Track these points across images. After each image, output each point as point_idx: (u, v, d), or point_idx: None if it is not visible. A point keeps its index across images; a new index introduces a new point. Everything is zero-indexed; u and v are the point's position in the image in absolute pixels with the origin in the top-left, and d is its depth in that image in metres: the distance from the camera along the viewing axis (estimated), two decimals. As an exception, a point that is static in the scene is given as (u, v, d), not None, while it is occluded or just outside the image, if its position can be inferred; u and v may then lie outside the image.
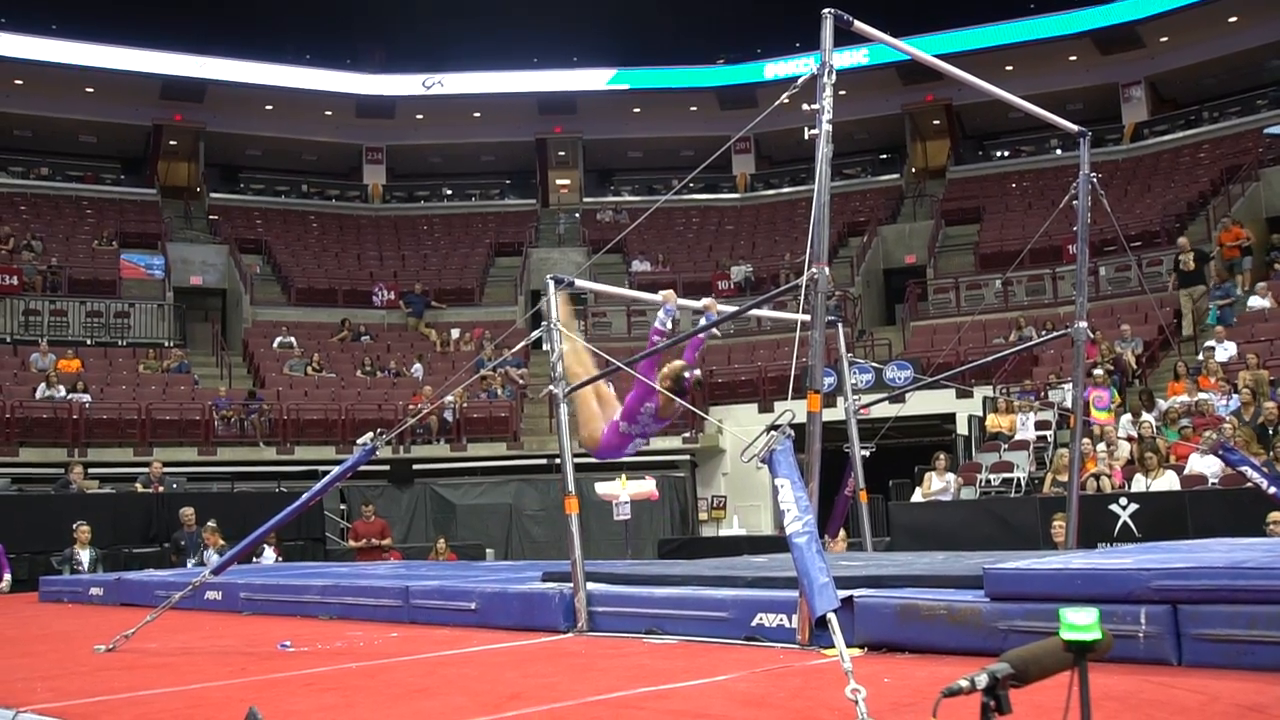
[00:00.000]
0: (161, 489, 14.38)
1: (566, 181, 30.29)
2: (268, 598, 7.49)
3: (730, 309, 7.09)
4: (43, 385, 17.89)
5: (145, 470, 15.02)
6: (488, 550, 16.06)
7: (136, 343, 21.41)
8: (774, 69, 27.73)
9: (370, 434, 6.09)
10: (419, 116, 29.19)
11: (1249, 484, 7.64)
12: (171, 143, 28.09)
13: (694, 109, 29.19)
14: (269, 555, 12.17)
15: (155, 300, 22.60)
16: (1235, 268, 18.02)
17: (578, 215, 28.79)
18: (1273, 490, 7.35)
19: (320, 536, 14.79)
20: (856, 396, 8.25)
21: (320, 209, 28.74)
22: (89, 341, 21.02)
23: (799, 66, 25.14)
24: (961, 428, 16.86)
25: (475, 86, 28.67)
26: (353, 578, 7.57)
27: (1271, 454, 11.34)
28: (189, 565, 11.78)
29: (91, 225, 25.00)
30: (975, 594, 4.13)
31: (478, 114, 29.15)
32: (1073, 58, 26.68)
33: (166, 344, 21.55)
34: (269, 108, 27.91)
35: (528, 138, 29.84)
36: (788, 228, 25.99)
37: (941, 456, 14.02)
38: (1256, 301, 16.69)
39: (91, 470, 15.75)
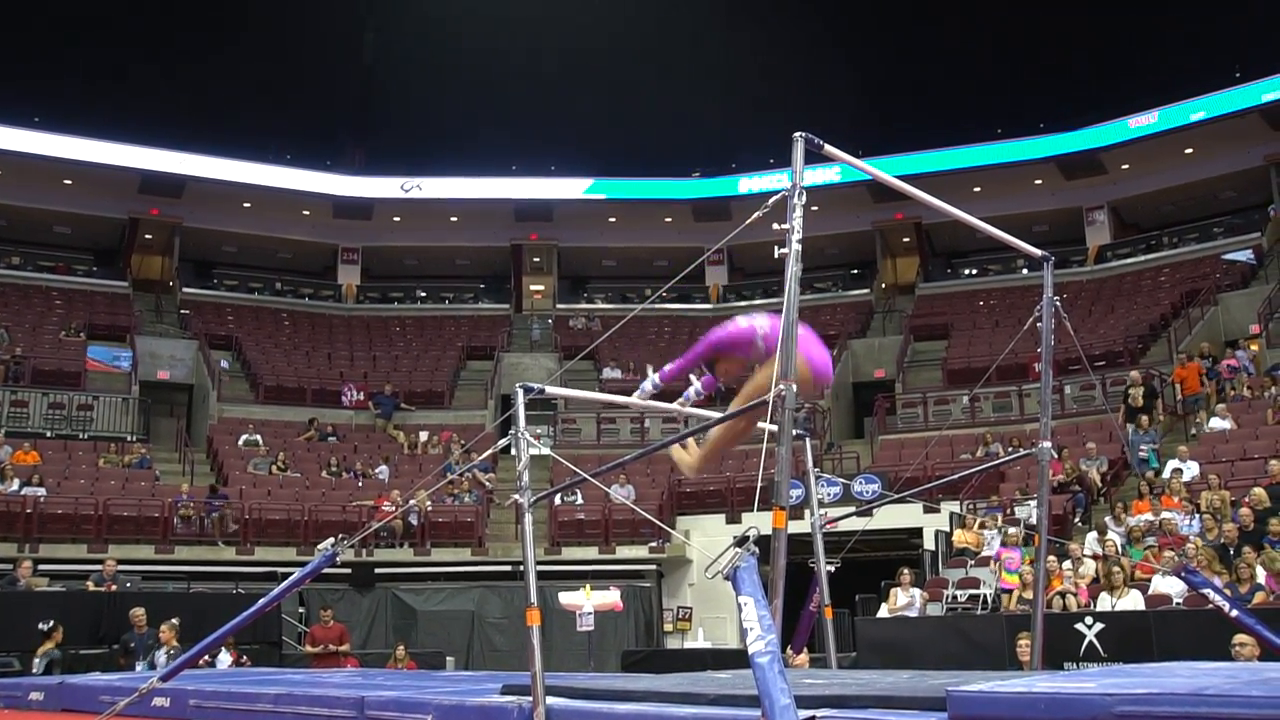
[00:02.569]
0: (114, 587, 14.04)
1: (540, 287, 30.52)
2: (218, 705, 7.25)
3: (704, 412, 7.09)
4: (-3, 478, 17.58)
5: (98, 568, 14.68)
6: (448, 658, 15.73)
7: (98, 436, 21.11)
8: (748, 183, 28.30)
9: (331, 539, 6.00)
10: (396, 219, 29.47)
11: (1212, 605, 7.66)
12: (147, 236, 28.15)
13: (669, 220, 29.65)
14: (224, 659, 11.86)
15: (120, 394, 22.38)
16: (1196, 404, 17.87)
17: (551, 321, 28.94)
18: (1235, 613, 7.36)
19: (277, 640, 14.45)
20: (823, 510, 8.23)
21: (293, 307, 28.77)
22: (49, 434, 20.71)
23: (772, 182, 25.80)
24: (929, 543, 16.83)
25: (453, 191, 29.01)
26: (307, 686, 7.37)
27: (1234, 575, 11.38)
28: (138, 668, 11.45)
29: (60, 316, 24.86)
30: (939, 716, 4.07)
31: (454, 218, 29.48)
32: (1038, 181, 27.42)
33: (129, 438, 21.25)
34: (247, 205, 28.10)
35: (503, 243, 30.13)
36: (759, 338, 26.17)
37: (906, 572, 13.98)
38: (1217, 423, 16.90)
39: (42, 567, 15.38)
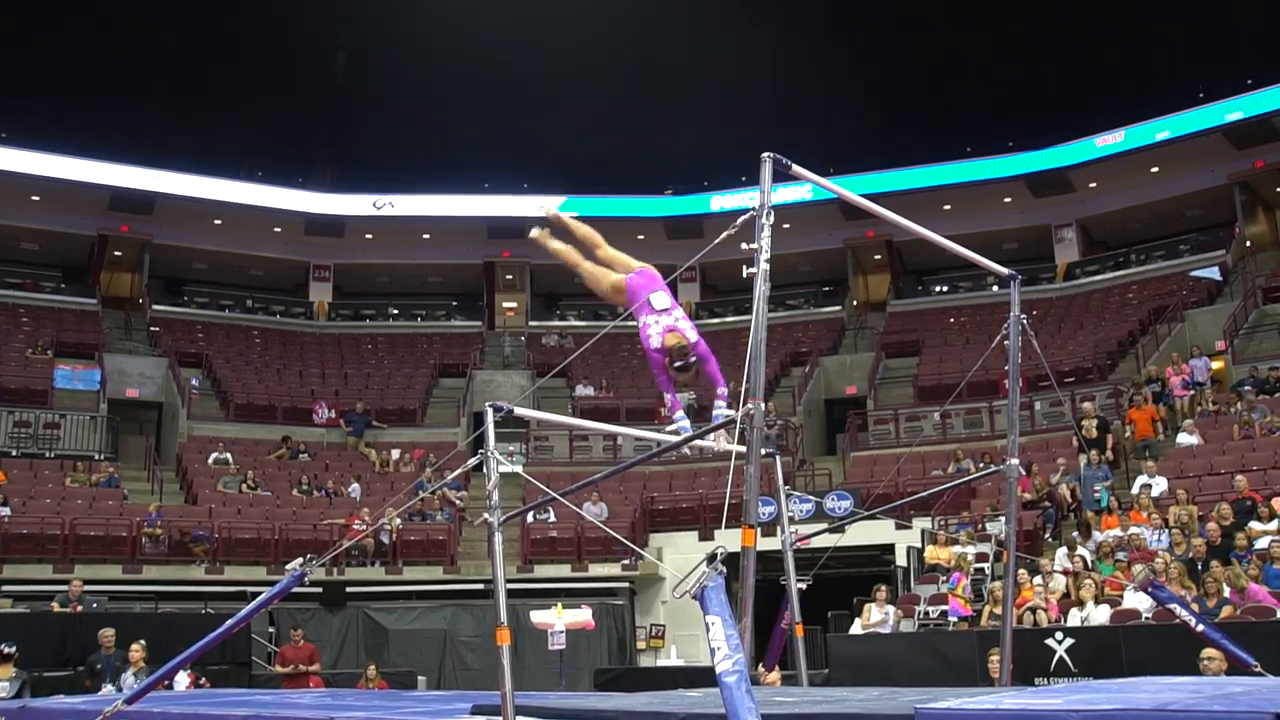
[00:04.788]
0: (80, 608, 13.86)
1: (513, 305, 30.48)
2: (185, 727, 7.18)
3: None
4: (-41, 498, 17.34)
5: (64, 589, 14.48)
6: (420, 678, 15.62)
7: (65, 455, 20.85)
8: (720, 201, 28.42)
9: (301, 559, 5.97)
10: (368, 236, 29.36)
11: (1179, 620, 7.74)
12: (116, 253, 27.90)
13: (641, 237, 29.62)
14: (181, 681, 11.67)
15: (88, 412, 22.14)
16: (1151, 449, 17.16)
17: (523, 339, 28.89)
18: (1201, 628, 7.43)
19: (246, 661, 14.31)
20: (794, 528, 8.25)
21: (264, 324, 28.58)
22: (15, 452, 20.47)
23: (745, 200, 25.90)
24: (901, 559, 16.90)
25: (425, 209, 28.94)
26: (276, 707, 7.30)
27: (1202, 590, 11.48)
28: (108, 690, 11.28)
29: (27, 333, 24.57)
30: (907, 734, 4.08)
31: (427, 236, 29.40)
32: (1007, 199, 27.65)
33: (97, 457, 21.02)
34: (218, 222, 27.89)
35: (476, 261, 30.06)
36: (731, 356, 26.14)
37: (883, 588, 14.03)
38: (1185, 438, 17.06)
39: (6, 588, 15.19)
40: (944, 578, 14.73)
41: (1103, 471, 16.20)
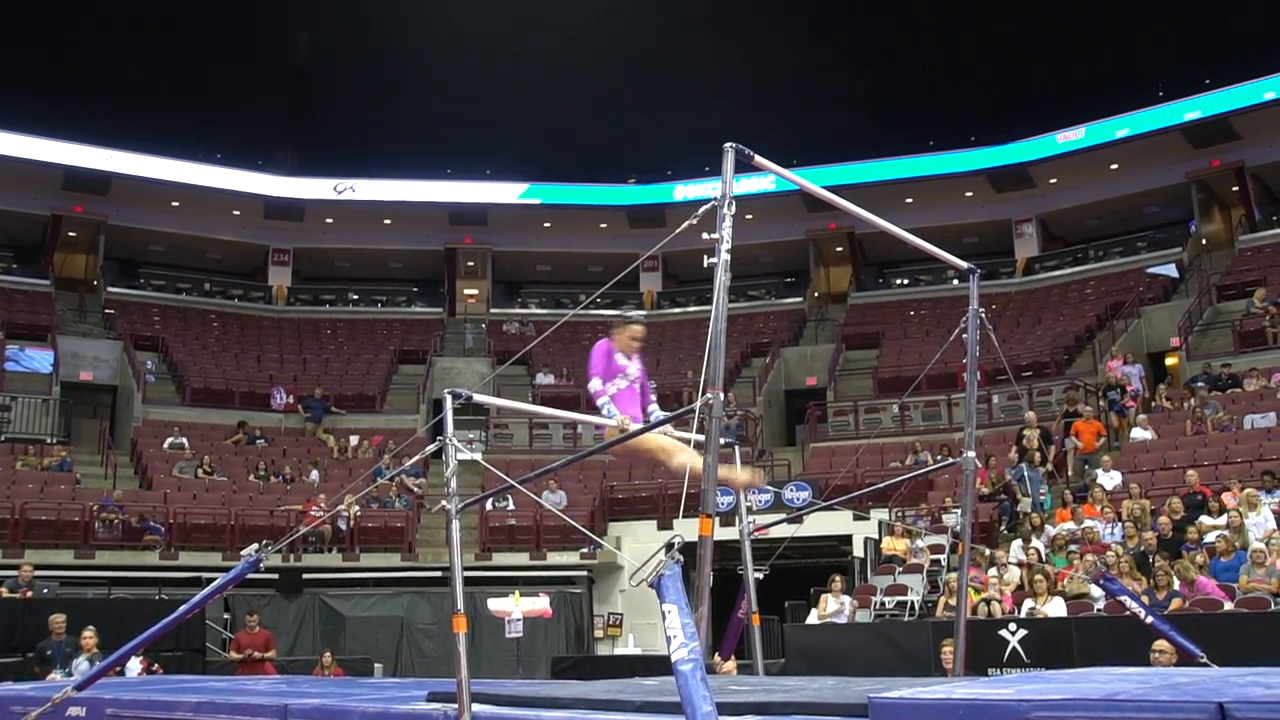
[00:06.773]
0: (30, 594, 13.68)
1: (474, 292, 30.34)
2: (137, 714, 7.08)
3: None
4: (-90, 481, 17.04)
5: (13, 574, 14.27)
6: (376, 665, 15.57)
7: (16, 438, 20.56)
8: (683, 191, 28.43)
9: (256, 545, 5.91)
10: (328, 220, 29.09)
11: (1129, 612, 7.84)
12: (70, 234, 27.44)
13: (604, 226, 29.65)
14: (134, 667, 11.54)
15: (40, 394, 21.80)
16: (1091, 463, 16.89)
17: (484, 326, 28.77)
18: (1150, 619, 7.54)
19: (200, 647, 14.21)
20: (752, 518, 8.28)
21: (222, 308, 28.24)
22: (-37, 436, 20.18)
23: (708, 189, 25.81)
24: (858, 550, 17.02)
25: (387, 194, 28.74)
26: (230, 693, 7.23)
27: (1152, 582, 11.66)
28: (58, 677, 11.13)
29: (-22, 315, 24.16)
30: (861, 722, 4.11)
31: (388, 221, 29.18)
32: (969, 194, 27.85)
33: (49, 440, 20.73)
34: (175, 204, 27.53)
35: (437, 247, 29.88)
36: (693, 346, 26.29)
37: (838, 579, 14.12)
38: (1139, 433, 17.30)
39: (-47, 573, 14.92)
40: (899, 568, 14.86)
41: (1036, 474, 16.22)
